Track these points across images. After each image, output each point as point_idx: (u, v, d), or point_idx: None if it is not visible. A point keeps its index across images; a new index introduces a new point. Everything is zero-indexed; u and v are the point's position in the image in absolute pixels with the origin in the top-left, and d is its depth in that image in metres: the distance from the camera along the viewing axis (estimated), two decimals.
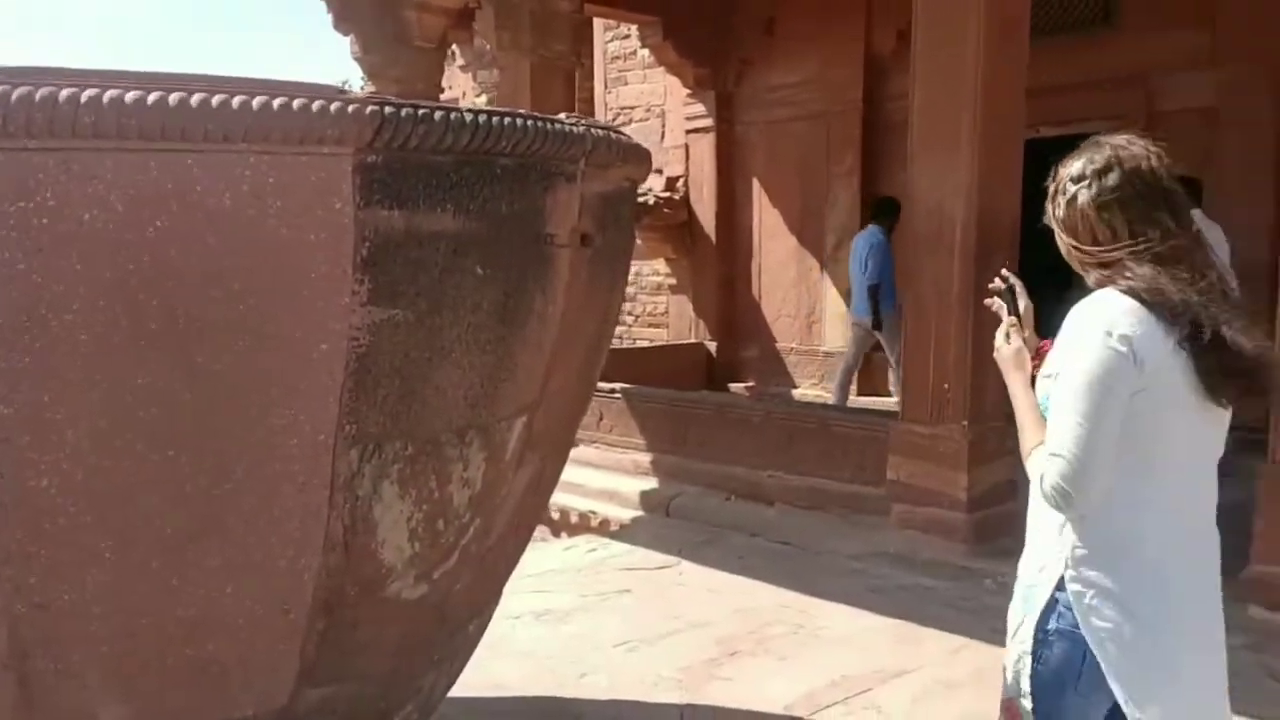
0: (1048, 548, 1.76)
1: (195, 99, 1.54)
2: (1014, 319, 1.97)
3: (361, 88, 8.38)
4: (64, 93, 1.47)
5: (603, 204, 2.17)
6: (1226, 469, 1.83)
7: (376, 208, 1.69)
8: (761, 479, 5.98)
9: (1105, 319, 1.63)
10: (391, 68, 7.60)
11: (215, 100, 1.55)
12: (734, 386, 9.53)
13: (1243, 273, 7.05)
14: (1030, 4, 5.04)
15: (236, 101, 1.56)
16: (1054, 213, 1.81)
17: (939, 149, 4.86)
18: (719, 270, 9.85)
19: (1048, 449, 1.66)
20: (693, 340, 10.02)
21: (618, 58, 10.80)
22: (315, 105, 1.61)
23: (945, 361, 4.75)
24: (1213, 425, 1.73)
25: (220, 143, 1.56)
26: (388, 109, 1.66)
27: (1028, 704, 1.79)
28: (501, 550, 2.31)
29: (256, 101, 1.57)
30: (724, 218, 9.83)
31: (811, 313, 9.35)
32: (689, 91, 9.84)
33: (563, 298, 2.06)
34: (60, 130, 1.47)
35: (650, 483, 6.52)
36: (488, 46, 7.29)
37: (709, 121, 9.78)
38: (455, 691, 2.59)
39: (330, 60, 71.61)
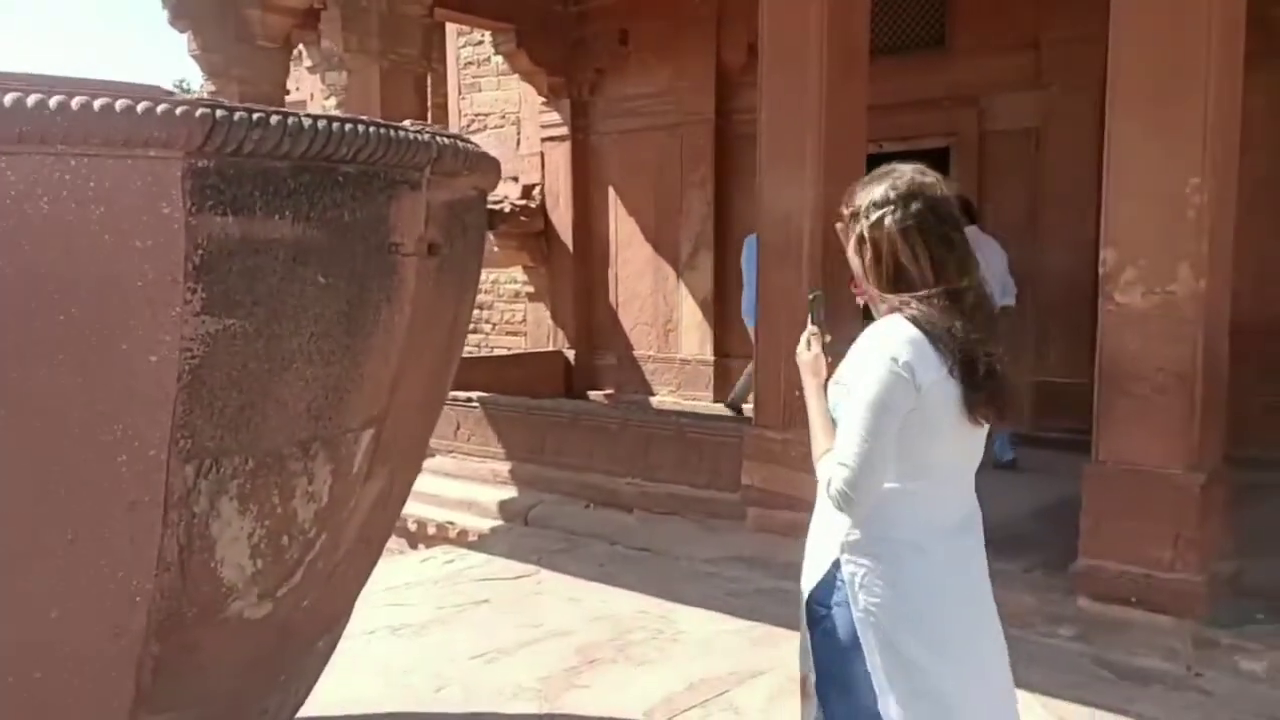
0: (827, 538, 1.94)
1: (8, 99, 1.46)
2: (815, 328, 2.12)
3: (202, 88, 8.07)
4: None
5: (450, 213, 2.15)
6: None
7: (209, 214, 1.63)
8: (620, 486, 6.02)
9: (892, 346, 1.81)
10: (234, 67, 7.35)
11: (31, 100, 1.47)
12: (593, 394, 9.56)
13: (1066, 287, 7.51)
14: (869, 27, 5.24)
15: (54, 102, 1.49)
16: (856, 233, 1.95)
17: (786, 164, 5.00)
18: (576, 278, 9.88)
19: (835, 457, 1.85)
20: (551, 348, 10.02)
21: (471, 63, 10.72)
22: (140, 107, 1.54)
23: (795, 367, 4.88)
24: (973, 436, 1.93)
25: (36, 144, 1.48)
26: (219, 112, 1.61)
27: (813, 677, 1.97)
28: (351, 565, 2.26)
29: (76, 102, 1.50)
30: (581, 226, 9.87)
31: (668, 321, 9.47)
32: (544, 99, 9.85)
33: (410, 307, 2.04)
34: None
35: (509, 492, 6.47)
36: (335, 48, 7.13)
37: (564, 130, 9.81)
38: (306, 710, 2.52)
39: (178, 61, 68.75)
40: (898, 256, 1.87)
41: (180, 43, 8.50)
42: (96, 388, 1.58)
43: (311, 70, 10.20)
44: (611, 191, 9.76)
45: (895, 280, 1.88)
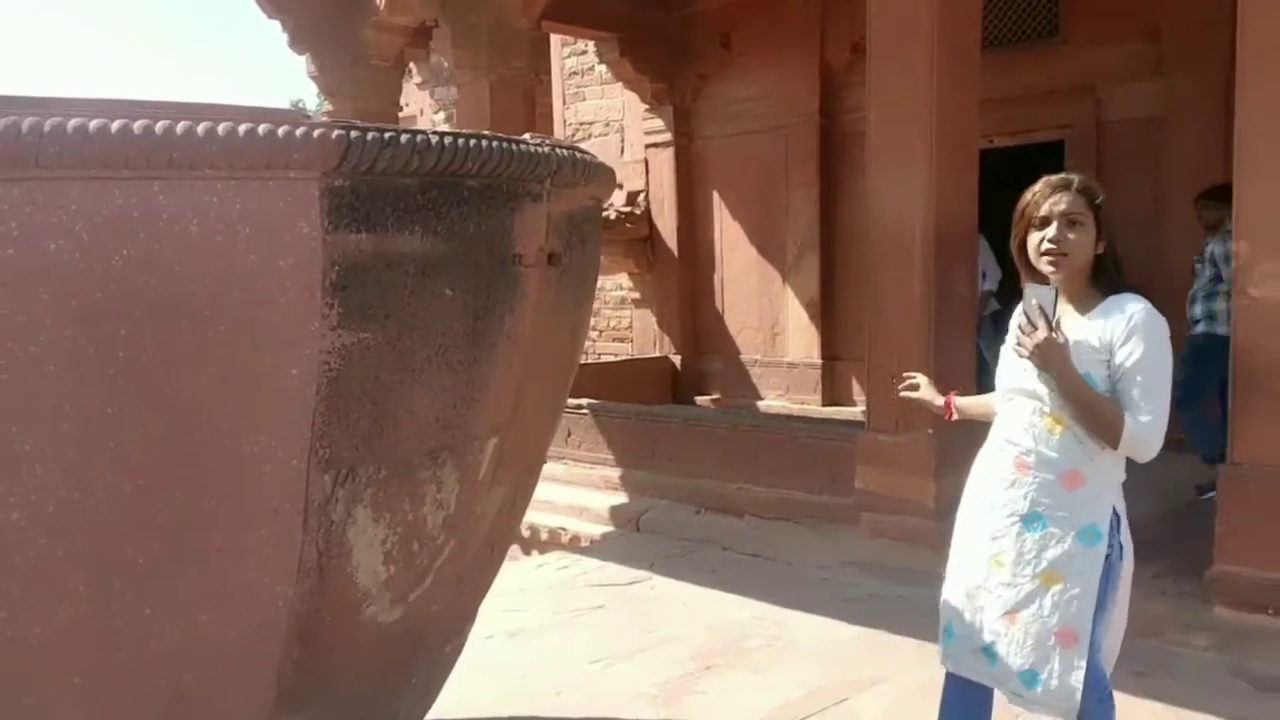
0: (1100, 489, 2.26)
1: (159, 126, 1.53)
2: (1057, 318, 2.23)
3: (318, 107, 8.33)
4: (26, 122, 1.45)
5: (569, 223, 2.18)
6: None
7: (345, 231, 1.69)
8: (731, 491, 6.01)
9: (1159, 318, 2.21)
10: (348, 86, 7.59)
11: (180, 127, 1.54)
12: (700, 399, 9.56)
13: (1191, 282, 7.23)
14: (980, 22, 5.12)
15: (201, 128, 1.55)
16: (1097, 224, 2.33)
17: (896, 164, 4.92)
18: (682, 283, 9.90)
19: (1148, 413, 2.16)
20: (657, 354, 10.05)
21: (575, 73, 10.84)
22: (281, 130, 1.61)
23: (908, 370, 4.79)
24: None
25: (186, 170, 1.55)
26: (353, 133, 1.66)
27: (1086, 626, 2.22)
28: (477, 571, 2.31)
29: (222, 128, 1.57)
30: (685, 231, 9.88)
31: (775, 324, 9.41)
32: (647, 106, 9.91)
33: (532, 317, 2.07)
34: (24, 160, 1.45)
35: (619, 498, 6.52)
36: (445, 64, 7.28)
37: (668, 136, 9.84)
38: (430, 714, 2.58)
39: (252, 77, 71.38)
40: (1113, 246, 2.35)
41: (297, 65, 8.82)
42: (243, 400, 1.64)
43: (421, 86, 10.49)
44: (716, 196, 9.75)
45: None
